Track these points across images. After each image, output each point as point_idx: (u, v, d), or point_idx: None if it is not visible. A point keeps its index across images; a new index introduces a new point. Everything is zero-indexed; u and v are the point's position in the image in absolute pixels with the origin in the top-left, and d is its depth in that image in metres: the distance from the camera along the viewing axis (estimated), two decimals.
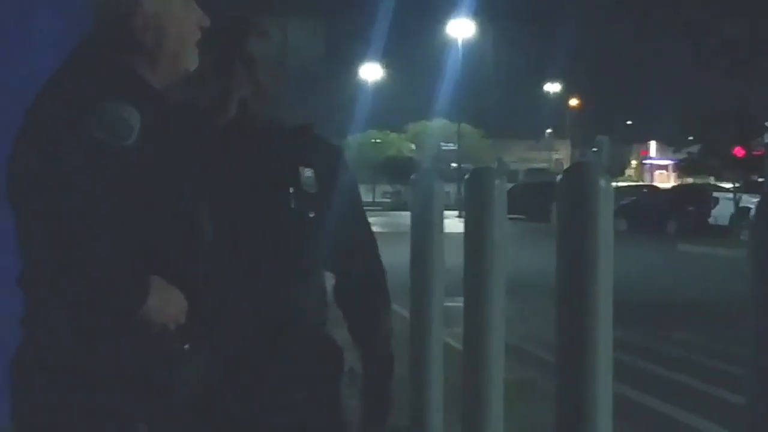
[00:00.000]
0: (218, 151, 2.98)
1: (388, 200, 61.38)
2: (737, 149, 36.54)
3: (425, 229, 6.31)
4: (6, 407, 2.71)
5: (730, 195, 34.84)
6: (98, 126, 2.55)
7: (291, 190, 3.00)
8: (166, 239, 2.66)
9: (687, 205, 35.32)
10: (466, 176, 5.31)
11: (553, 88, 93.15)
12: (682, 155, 43.98)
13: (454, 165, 63.16)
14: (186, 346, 2.66)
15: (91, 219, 2.51)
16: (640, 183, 68.23)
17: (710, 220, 34.16)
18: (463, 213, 5.49)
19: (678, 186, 48.46)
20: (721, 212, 34.15)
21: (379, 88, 73.35)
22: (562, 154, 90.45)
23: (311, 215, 3.03)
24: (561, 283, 4.04)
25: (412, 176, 6.60)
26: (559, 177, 4.08)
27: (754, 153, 36.94)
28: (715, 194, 35.88)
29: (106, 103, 2.59)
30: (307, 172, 3.04)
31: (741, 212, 31.44)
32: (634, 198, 39.36)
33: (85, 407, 2.58)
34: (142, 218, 2.60)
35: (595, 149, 77.56)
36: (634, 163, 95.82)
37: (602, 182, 3.95)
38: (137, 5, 2.72)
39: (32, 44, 4.88)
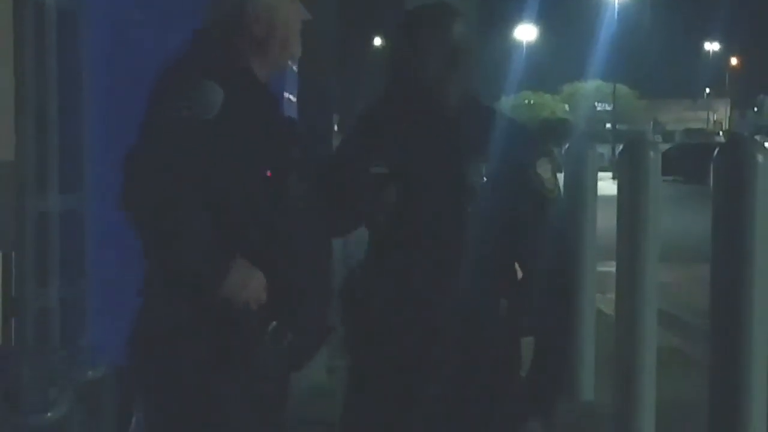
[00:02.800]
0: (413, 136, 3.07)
1: None
2: None
3: (578, 198, 6.33)
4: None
5: None
6: (180, 102, 2.72)
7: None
8: (254, 217, 2.78)
9: None
10: (620, 147, 5.28)
11: (712, 47, 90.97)
12: None
13: (608, 126, 62.33)
14: (273, 324, 2.77)
15: (176, 195, 2.66)
16: None
17: None
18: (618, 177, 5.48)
19: None
20: None
21: (534, 49, 72.73)
22: (720, 115, 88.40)
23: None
24: (716, 260, 4.03)
25: (566, 144, 6.60)
26: (717, 138, 4.04)
27: None
28: None
29: (188, 81, 2.77)
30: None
31: None
32: None
33: (182, 367, 2.76)
34: (226, 193, 2.75)
35: (755, 109, 75.40)
36: None
37: (760, 157, 3.90)
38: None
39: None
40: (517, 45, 71.71)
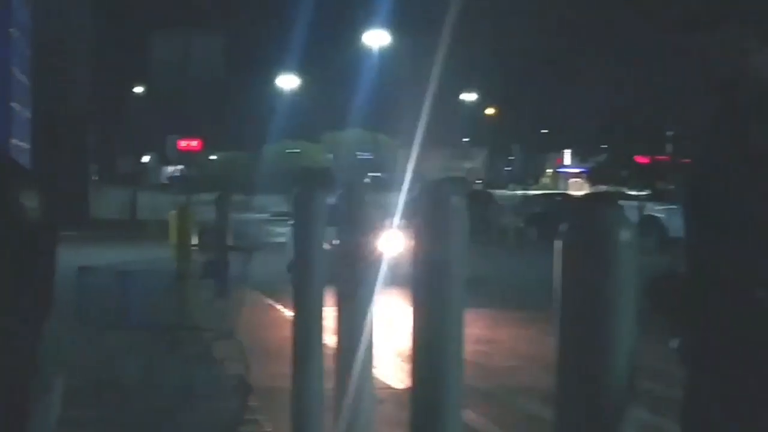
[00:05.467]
0: None
1: None
2: (640, 157, 37.15)
3: (307, 242, 6.50)
4: None
5: (635, 203, 35.23)
6: None
7: None
8: None
9: None
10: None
11: (469, 97, 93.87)
12: (590, 164, 44.66)
13: (371, 174, 63.55)
14: None
15: None
16: (555, 191, 69.02)
17: None
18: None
19: (588, 194, 49.12)
20: None
21: (295, 98, 73.37)
22: (477, 163, 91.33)
23: None
24: (416, 288, 4.26)
25: (294, 190, 6.78)
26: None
27: (657, 158, 37.55)
28: (621, 202, 36.27)
29: None
30: None
31: (644, 220, 31.92)
32: (546, 206, 39.92)
33: None
34: None
35: (512, 158, 78.11)
36: (550, 171, 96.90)
37: (455, 200, 4.18)
38: None
39: None
40: (279, 94, 72.23)
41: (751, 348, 2.93)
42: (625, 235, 2.90)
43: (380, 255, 5.50)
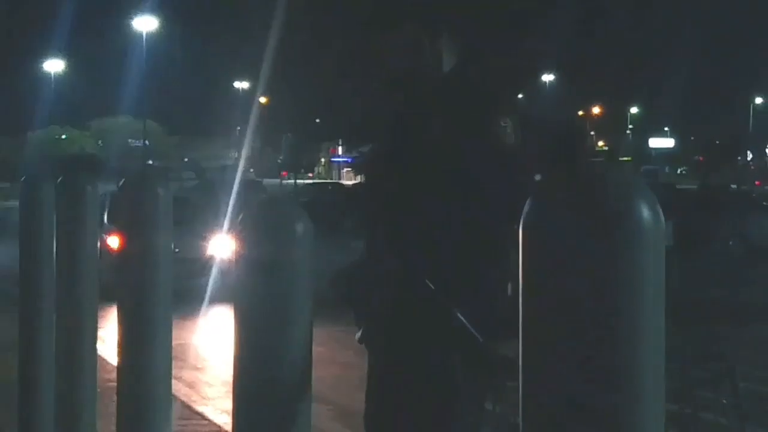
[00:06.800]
0: None
1: None
2: None
3: (36, 234, 6.39)
4: None
5: None
6: None
7: None
8: None
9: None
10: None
11: (242, 85, 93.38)
12: (355, 154, 45.09)
13: (150, 162, 62.88)
14: None
15: None
16: (326, 181, 69.64)
17: None
18: None
19: (357, 184, 49.88)
20: None
21: (63, 83, 71.55)
22: (250, 152, 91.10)
23: None
24: (120, 285, 4.28)
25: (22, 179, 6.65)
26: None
27: None
28: None
29: None
30: None
31: None
32: (315, 196, 40.29)
33: None
34: None
35: (284, 146, 78.16)
36: (323, 161, 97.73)
37: (160, 191, 4.21)
38: None
39: None
40: (46, 78, 70.31)
41: (412, 333, 3.08)
42: (300, 228, 3.00)
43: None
